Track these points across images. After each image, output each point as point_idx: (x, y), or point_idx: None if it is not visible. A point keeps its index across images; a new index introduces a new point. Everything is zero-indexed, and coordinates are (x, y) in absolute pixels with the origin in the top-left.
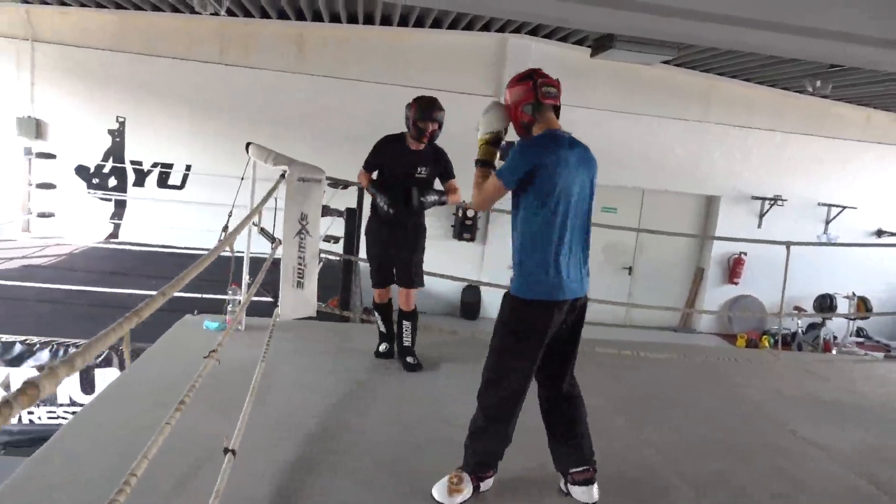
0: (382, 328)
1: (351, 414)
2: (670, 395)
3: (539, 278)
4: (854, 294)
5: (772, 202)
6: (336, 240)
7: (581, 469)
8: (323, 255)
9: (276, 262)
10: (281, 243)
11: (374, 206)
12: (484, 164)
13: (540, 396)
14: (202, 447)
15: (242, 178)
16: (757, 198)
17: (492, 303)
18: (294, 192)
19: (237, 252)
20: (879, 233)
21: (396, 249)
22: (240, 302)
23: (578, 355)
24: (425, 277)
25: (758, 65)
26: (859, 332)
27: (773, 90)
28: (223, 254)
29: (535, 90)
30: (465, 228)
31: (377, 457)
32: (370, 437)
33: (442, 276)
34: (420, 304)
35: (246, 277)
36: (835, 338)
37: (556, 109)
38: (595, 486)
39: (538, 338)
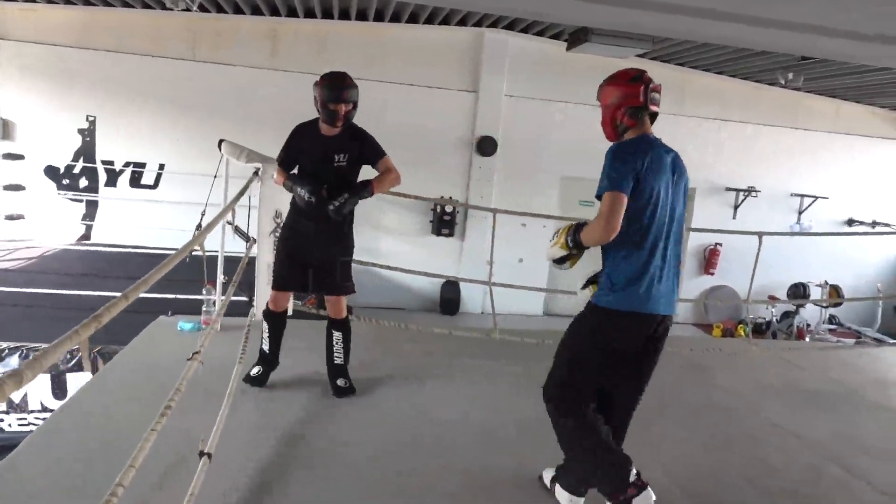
0: (265, 345)
1: (330, 414)
2: (650, 386)
3: (629, 290)
4: (826, 282)
5: (746, 193)
6: None
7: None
8: None
9: (251, 261)
10: (255, 242)
11: (293, 200)
12: (578, 226)
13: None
14: (177, 451)
15: (216, 176)
16: (731, 189)
17: (471, 298)
18: (268, 189)
19: (210, 251)
20: (850, 222)
21: (317, 248)
22: (214, 302)
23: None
24: (405, 275)
25: (730, 58)
26: (831, 320)
27: (746, 83)
28: (199, 253)
29: (645, 94)
30: (443, 224)
31: (356, 458)
32: (349, 437)
33: (420, 272)
34: (399, 300)
35: (221, 277)
36: (808, 325)
37: (653, 116)
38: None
39: (619, 349)
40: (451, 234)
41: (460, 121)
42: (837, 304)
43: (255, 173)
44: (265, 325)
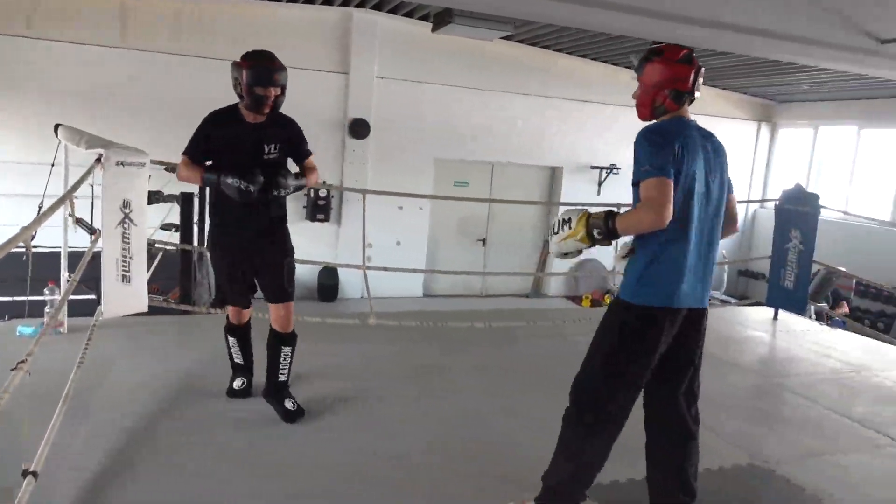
0: (238, 358)
1: (188, 416)
2: (524, 361)
3: (660, 282)
4: None
5: (608, 171)
6: (176, 228)
7: None
8: (158, 246)
9: (97, 255)
10: (101, 235)
11: (216, 203)
12: (610, 213)
13: (647, 414)
14: (4, 468)
15: (53, 165)
16: (595, 167)
17: (349, 283)
18: (112, 177)
19: (50, 248)
20: None
21: (258, 254)
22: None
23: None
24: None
25: (589, 41)
26: None
27: (606, 66)
28: (40, 250)
29: (695, 79)
30: (318, 209)
31: (199, 465)
32: (198, 440)
33: (301, 261)
34: None
35: (65, 274)
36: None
37: (692, 101)
38: None
39: (651, 346)
40: (326, 220)
41: (332, 103)
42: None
43: (98, 160)
44: (230, 341)
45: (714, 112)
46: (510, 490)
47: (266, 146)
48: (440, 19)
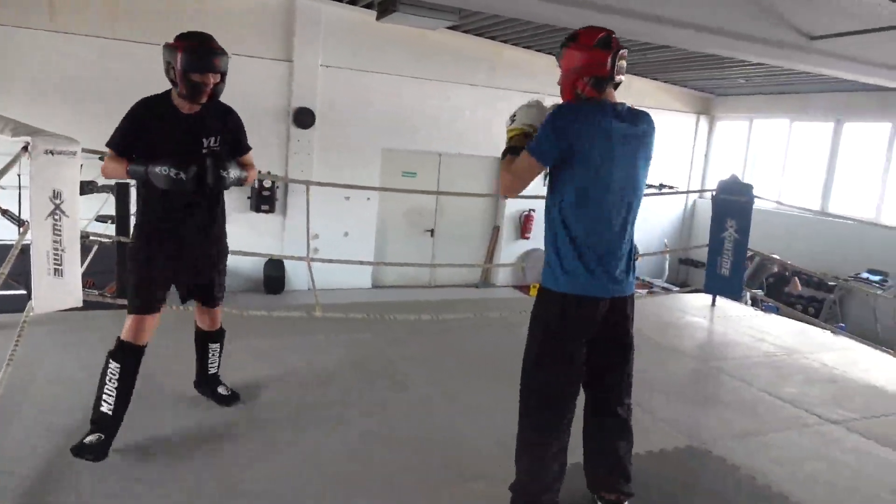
0: (107, 401)
1: (125, 416)
2: (472, 351)
3: (576, 271)
4: None
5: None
6: (112, 220)
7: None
8: (92, 238)
9: (26, 249)
10: (30, 226)
11: (146, 200)
12: (514, 150)
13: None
14: None
15: None
16: None
17: (296, 275)
18: (41, 166)
19: None
20: (661, 186)
21: (190, 253)
22: None
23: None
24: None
25: (533, 33)
26: None
27: (551, 57)
28: None
29: (613, 63)
30: (262, 199)
31: (151, 465)
32: (137, 441)
33: (244, 253)
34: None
35: None
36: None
37: (617, 85)
38: None
39: (577, 336)
40: (271, 211)
41: (275, 91)
42: (634, 260)
43: (24, 148)
44: (112, 367)
45: (655, 104)
46: (451, 477)
47: (205, 139)
48: (384, 7)
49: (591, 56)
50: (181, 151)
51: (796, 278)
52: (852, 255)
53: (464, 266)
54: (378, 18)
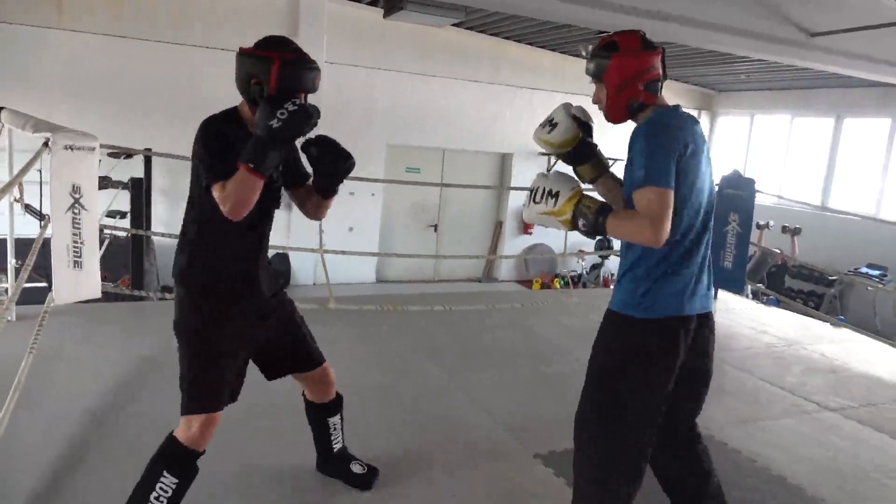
0: None
1: (140, 399)
2: (479, 342)
3: (669, 290)
4: None
5: (556, 157)
6: (123, 215)
7: None
8: (108, 232)
9: (47, 242)
10: (50, 220)
11: (207, 246)
12: (605, 208)
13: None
14: None
15: None
16: (543, 154)
17: (302, 270)
18: (61, 161)
19: None
20: None
21: (267, 314)
22: (7, 290)
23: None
24: None
25: (537, 30)
26: None
27: (555, 54)
28: None
29: (663, 63)
30: None
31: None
32: (154, 424)
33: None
34: None
35: (12, 261)
36: (612, 275)
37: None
38: None
39: (670, 363)
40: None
41: None
42: None
43: (45, 144)
44: (166, 481)
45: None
46: (462, 459)
47: (273, 174)
48: (391, 5)
49: (643, 60)
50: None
51: (781, 252)
52: (852, 249)
53: (470, 258)
54: (385, 16)
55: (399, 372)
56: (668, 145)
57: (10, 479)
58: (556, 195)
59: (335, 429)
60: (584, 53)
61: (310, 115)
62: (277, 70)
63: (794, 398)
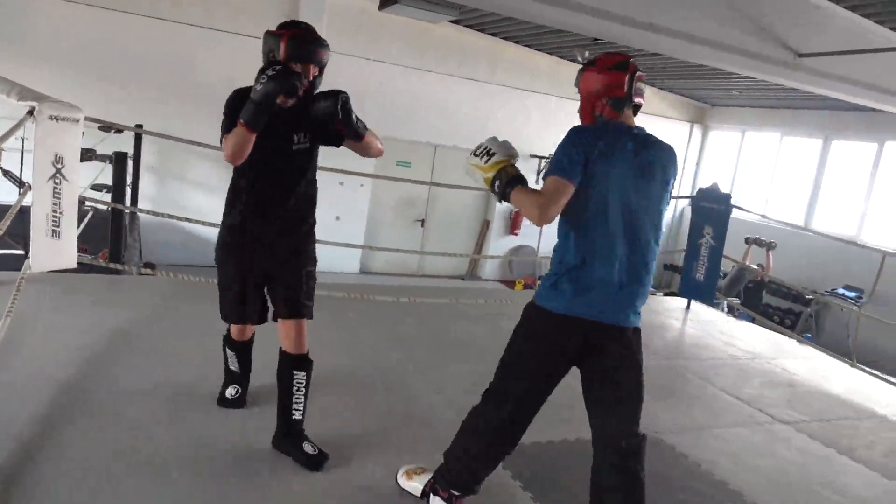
0: (234, 365)
1: (108, 368)
2: (441, 335)
3: (563, 287)
4: None
5: (546, 160)
6: (108, 188)
7: None
8: (89, 205)
9: (25, 210)
10: (30, 188)
11: (239, 190)
12: (518, 179)
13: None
14: None
15: None
16: (535, 156)
17: None
18: (45, 131)
19: None
20: None
21: (276, 257)
22: None
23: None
24: (217, 233)
25: (534, 32)
26: None
27: (551, 57)
28: None
29: (630, 85)
30: None
31: (133, 415)
32: (125, 390)
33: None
34: (210, 258)
35: None
36: None
37: (637, 108)
38: None
39: (546, 355)
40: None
41: None
42: None
43: (30, 112)
44: (229, 353)
45: (649, 111)
46: (410, 457)
47: (295, 135)
48: None
49: (609, 77)
50: (268, 147)
51: (761, 268)
52: (831, 271)
53: (455, 255)
54: (380, 8)
55: (364, 358)
56: (576, 144)
57: None
58: (491, 155)
59: (298, 390)
60: (580, 59)
61: (287, 77)
62: (285, 44)
63: (750, 409)
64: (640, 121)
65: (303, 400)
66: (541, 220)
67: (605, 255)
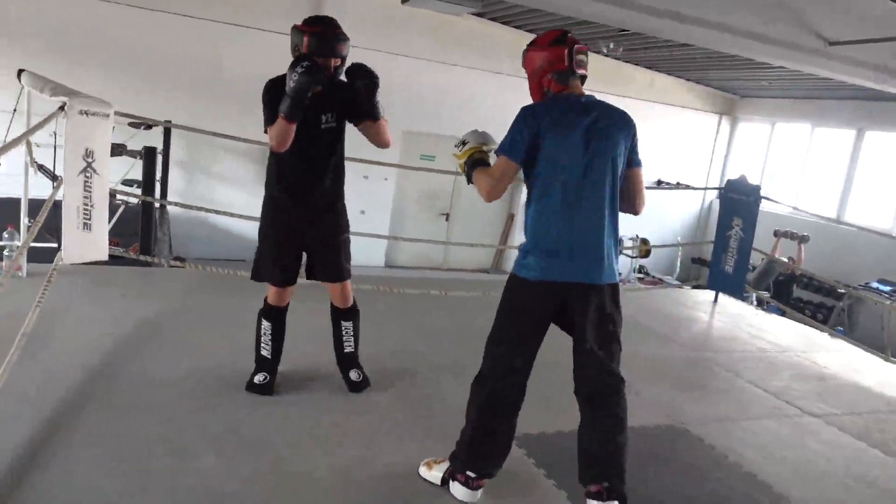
0: (266, 349)
1: (136, 359)
2: (471, 326)
3: (533, 257)
4: (637, 236)
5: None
6: (139, 184)
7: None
8: (120, 199)
9: (59, 203)
10: (63, 182)
11: (278, 169)
12: (480, 162)
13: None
14: None
15: (15, 111)
16: None
17: None
18: (76, 126)
19: (10, 196)
20: (658, 182)
21: (313, 227)
22: (18, 246)
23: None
24: (244, 227)
25: (559, 24)
26: (640, 269)
27: None
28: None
29: (570, 57)
30: None
31: (161, 402)
32: (153, 379)
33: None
34: (238, 252)
35: (25, 219)
36: (620, 274)
37: (583, 79)
38: None
39: (526, 319)
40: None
41: None
42: (646, 255)
43: (61, 108)
44: (264, 325)
45: (677, 102)
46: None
47: (322, 115)
48: None
49: (549, 53)
50: (301, 127)
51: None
52: (864, 264)
53: (481, 246)
54: (403, 2)
55: (390, 349)
56: (522, 123)
57: (12, 426)
58: (465, 144)
59: (347, 332)
60: (605, 51)
61: (315, 73)
62: (308, 40)
63: (778, 402)
64: (666, 112)
65: (352, 338)
66: (488, 197)
67: (562, 221)
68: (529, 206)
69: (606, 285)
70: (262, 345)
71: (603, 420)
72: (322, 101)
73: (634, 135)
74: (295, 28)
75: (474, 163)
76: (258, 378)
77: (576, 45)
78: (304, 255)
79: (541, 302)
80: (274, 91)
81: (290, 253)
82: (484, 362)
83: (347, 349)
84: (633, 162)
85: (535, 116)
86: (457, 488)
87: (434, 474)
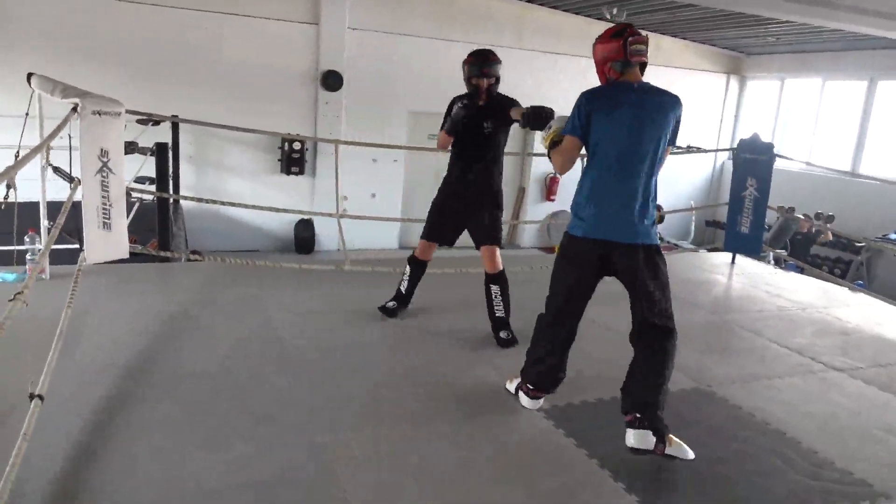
0: (403, 286)
1: (169, 352)
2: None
3: (580, 218)
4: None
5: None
6: (151, 181)
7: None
8: (136, 196)
9: (77, 205)
10: (80, 183)
11: (451, 163)
12: (556, 143)
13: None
14: (6, 395)
15: (27, 115)
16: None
17: (325, 236)
18: (89, 126)
19: (29, 200)
20: (688, 147)
21: (469, 206)
22: (40, 250)
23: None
24: (256, 216)
25: None
26: None
27: (578, 17)
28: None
29: (625, 48)
30: (292, 162)
31: (193, 395)
32: (188, 372)
33: (267, 208)
34: (250, 242)
35: (45, 222)
36: (659, 234)
37: (643, 66)
38: (647, 433)
39: (575, 269)
40: (301, 173)
41: (303, 55)
42: (661, 221)
43: (74, 109)
44: (407, 269)
45: (684, 64)
46: (454, 408)
47: (482, 123)
48: None
49: (608, 46)
50: (468, 132)
51: (829, 229)
52: (881, 215)
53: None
54: None
55: (401, 327)
56: (579, 106)
57: (61, 413)
58: (550, 128)
59: (496, 296)
60: (608, 16)
61: (467, 109)
62: (467, 68)
63: (802, 358)
64: (674, 74)
65: (501, 303)
66: (561, 170)
67: (606, 188)
68: (584, 175)
69: (642, 245)
70: (402, 281)
71: (650, 358)
72: (484, 113)
73: (679, 117)
74: (464, 61)
75: (553, 143)
76: (390, 304)
77: (631, 37)
78: (464, 232)
79: (586, 255)
80: (450, 106)
81: (444, 219)
82: (546, 304)
83: (498, 314)
84: (669, 141)
85: (589, 100)
86: (522, 397)
87: (510, 386)
